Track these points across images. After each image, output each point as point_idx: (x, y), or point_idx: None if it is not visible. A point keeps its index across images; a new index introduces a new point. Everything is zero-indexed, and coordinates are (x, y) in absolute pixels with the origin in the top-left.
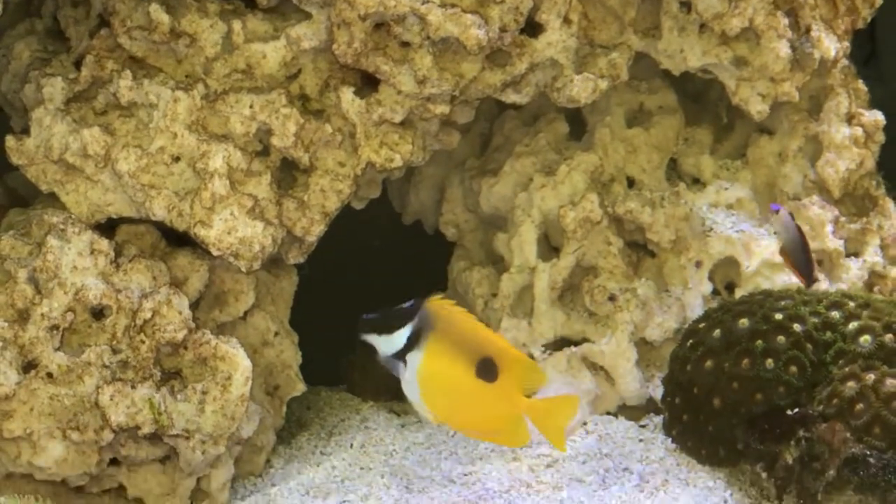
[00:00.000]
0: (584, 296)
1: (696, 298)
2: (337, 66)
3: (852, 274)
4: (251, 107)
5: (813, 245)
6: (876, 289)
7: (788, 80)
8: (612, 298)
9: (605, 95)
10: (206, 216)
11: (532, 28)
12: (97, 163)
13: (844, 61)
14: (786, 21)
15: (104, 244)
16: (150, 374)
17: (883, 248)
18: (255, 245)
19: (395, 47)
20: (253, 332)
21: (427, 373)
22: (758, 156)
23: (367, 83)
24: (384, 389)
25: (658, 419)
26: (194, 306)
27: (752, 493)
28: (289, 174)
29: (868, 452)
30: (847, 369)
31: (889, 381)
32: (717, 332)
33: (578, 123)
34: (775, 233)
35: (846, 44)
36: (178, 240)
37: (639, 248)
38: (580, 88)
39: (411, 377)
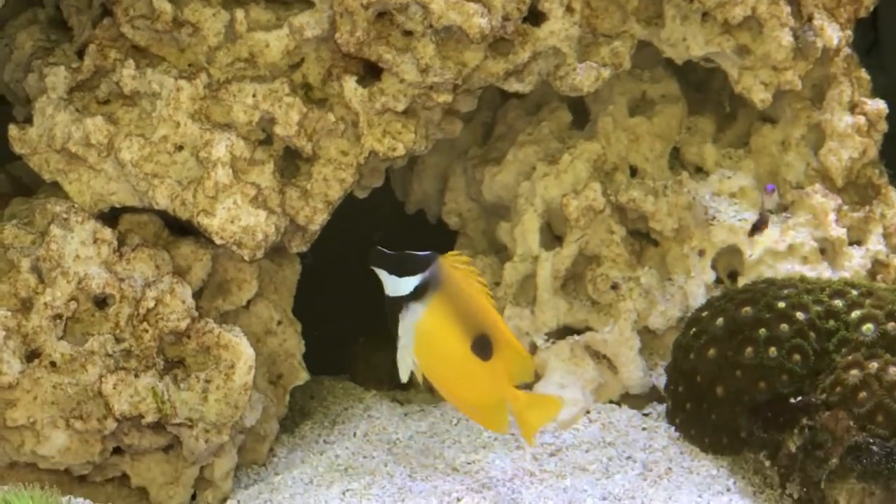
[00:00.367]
0: (587, 284)
1: (698, 287)
2: (339, 55)
3: (855, 262)
4: (254, 96)
5: (816, 233)
6: (879, 277)
7: (791, 69)
8: (614, 287)
9: (607, 84)
10: (209, 205)
11: (535, 16)
12: (100, 152)
13: (847, 50)
14: (788, 9)
15: (107, 233)
16: (153, 362)
17: (886, 236)
18: (258, 234)
19: (397, 36)
20: (256, 320)
21: (424, 328)
22: (760, 144)
23: (370, 72)
24: (387, 378)
25: (661, 408)
26: (197, 295)
27: (756, 481)
28: (292, 163)
29: (871, 440)
30: (850, 357)
31: (892, 370)
32: (720, 321)
33: (581, 112)
34: (769, 210)
35: (849, 32)
36: (181, 229)
37: (641, 237)
38: (583, 77)
39: (409, 326)
